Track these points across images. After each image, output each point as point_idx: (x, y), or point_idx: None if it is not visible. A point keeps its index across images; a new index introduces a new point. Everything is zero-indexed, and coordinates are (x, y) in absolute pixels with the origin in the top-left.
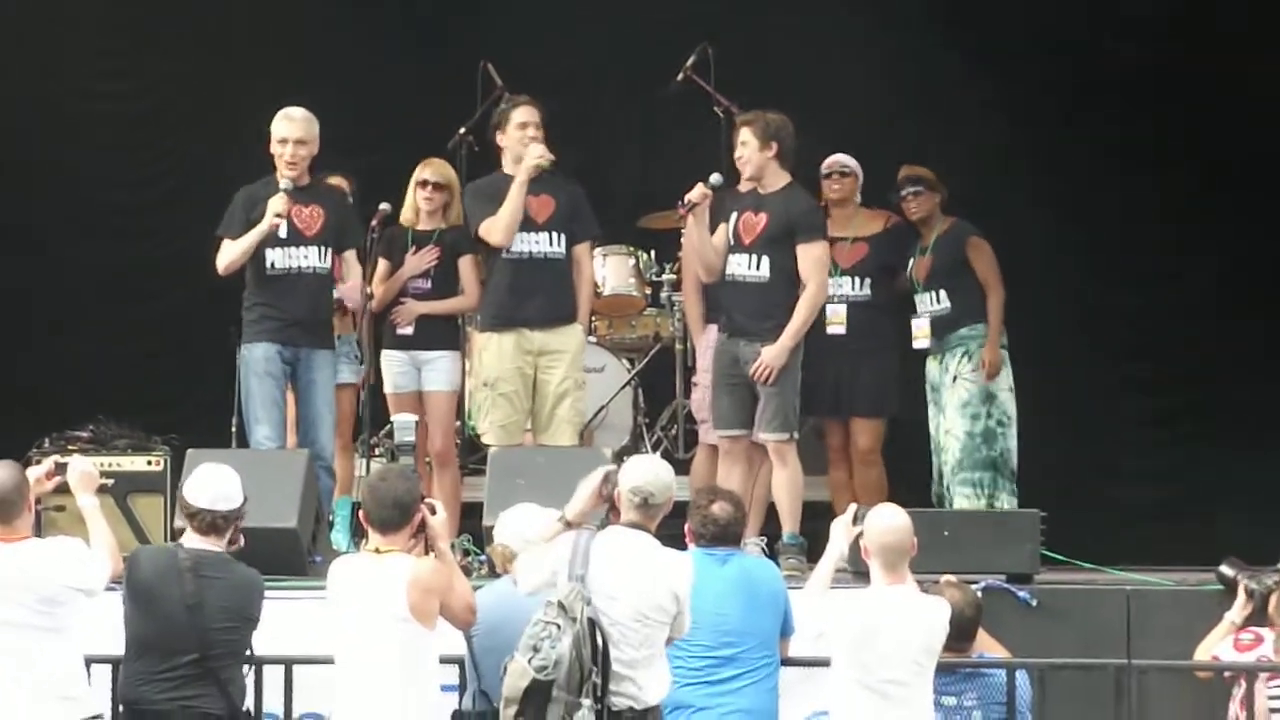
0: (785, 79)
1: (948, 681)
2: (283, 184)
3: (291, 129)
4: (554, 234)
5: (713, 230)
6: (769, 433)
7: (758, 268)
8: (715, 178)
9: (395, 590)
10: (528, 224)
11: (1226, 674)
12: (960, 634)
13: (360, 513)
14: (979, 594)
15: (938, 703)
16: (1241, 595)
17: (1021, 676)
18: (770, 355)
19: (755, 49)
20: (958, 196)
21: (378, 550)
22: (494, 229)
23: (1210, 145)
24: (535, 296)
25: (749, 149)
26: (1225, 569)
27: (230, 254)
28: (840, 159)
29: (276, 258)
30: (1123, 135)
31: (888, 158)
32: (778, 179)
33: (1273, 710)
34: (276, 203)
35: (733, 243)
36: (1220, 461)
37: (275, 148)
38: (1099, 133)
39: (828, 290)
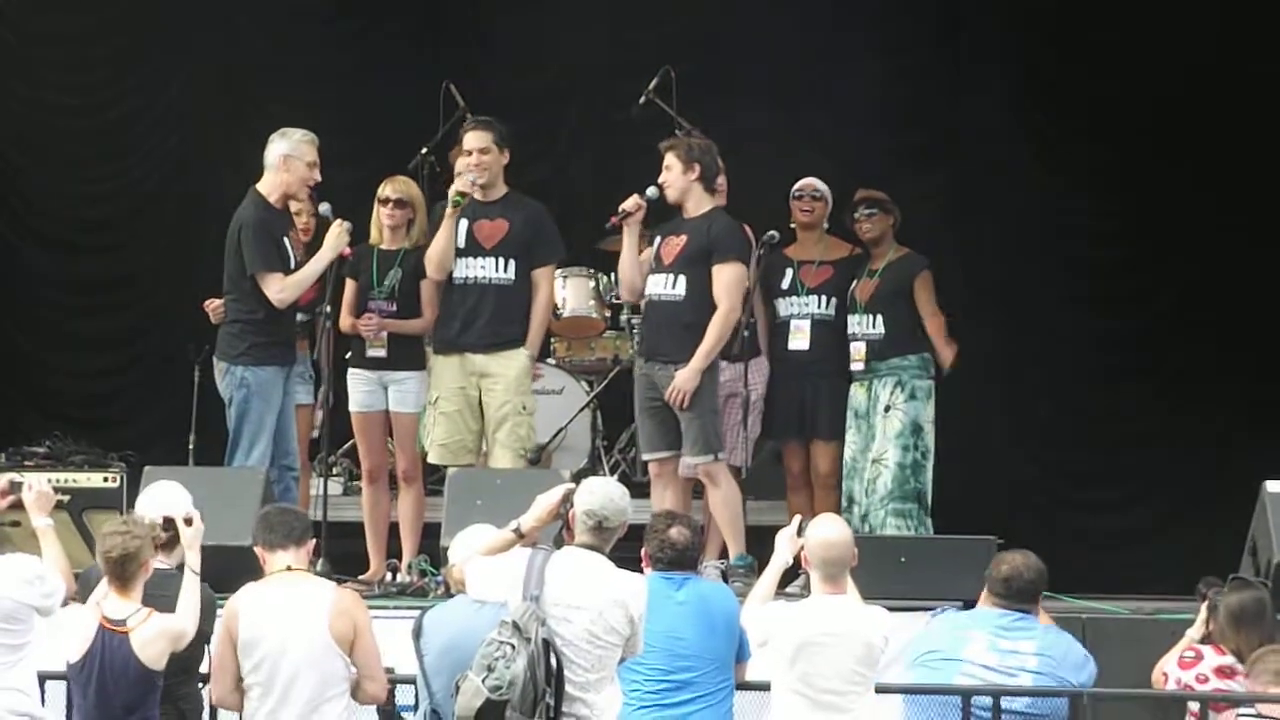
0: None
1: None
2: (323, 208)
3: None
4: (501, 259)
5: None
6: (693, 456)
7: (673, 286)
8: (652, 190)
9: (317, 615)
10: (474, 249)
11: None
12: (1021, 594)
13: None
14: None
15: (994, 645)
16: (1203, 611)
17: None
18: (682, 379)
19: (723, 73)
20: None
21: (289, 569)
22: (427, 261)
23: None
24: (477, 321)
25: (673, 173)
26: (1200, 586)
27: (302, 282)
28: (812, 182)
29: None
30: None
31: (848, 186)
32: (702, 203)
33: None
34: (342, 232)
35: (654, 265)
36: (1179, 485)
37: (305, 171)
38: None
39: (739, 313)
